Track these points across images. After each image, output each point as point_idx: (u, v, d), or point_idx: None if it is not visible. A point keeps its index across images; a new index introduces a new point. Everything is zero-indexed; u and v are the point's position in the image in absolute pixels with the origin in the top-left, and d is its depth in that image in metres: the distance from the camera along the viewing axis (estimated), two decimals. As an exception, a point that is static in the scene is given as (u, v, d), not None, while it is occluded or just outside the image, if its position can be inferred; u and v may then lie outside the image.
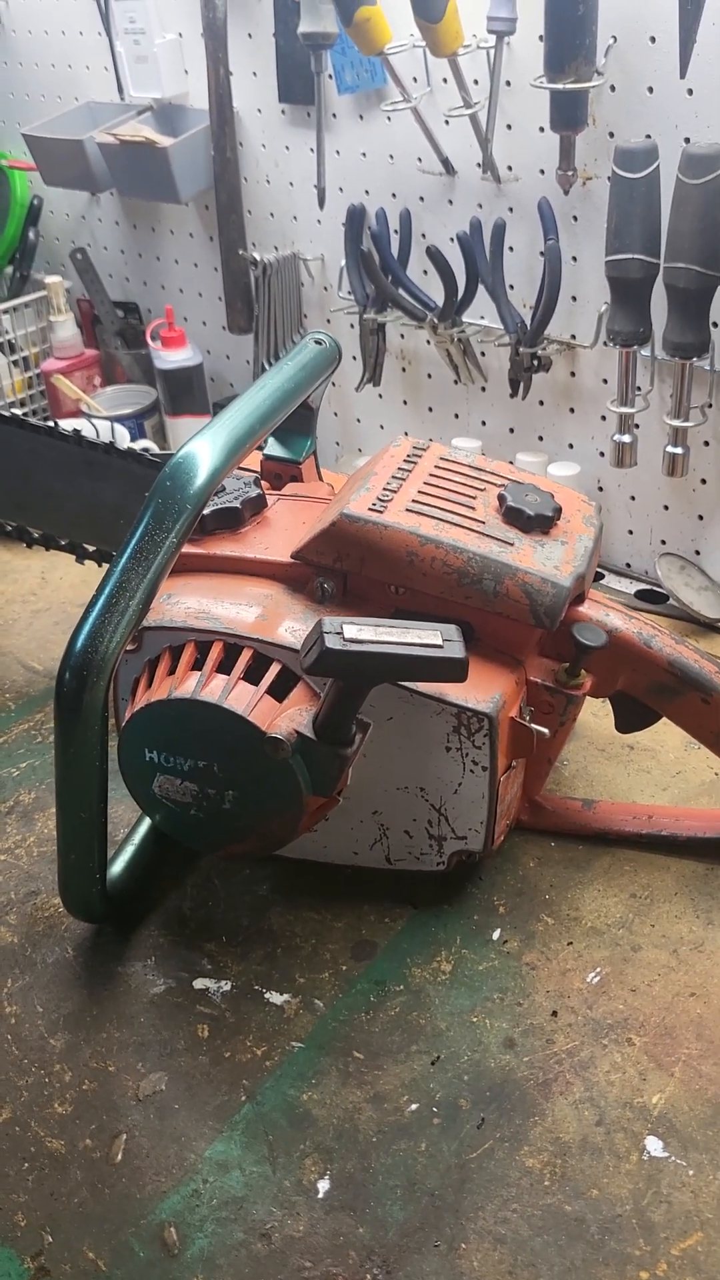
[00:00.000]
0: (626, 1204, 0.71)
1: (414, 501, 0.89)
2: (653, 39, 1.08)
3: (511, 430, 1.37)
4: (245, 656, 0.84)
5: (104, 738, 0.80)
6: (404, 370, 1.44)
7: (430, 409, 1.44)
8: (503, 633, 0.87)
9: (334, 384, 1.51)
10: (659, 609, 1.27)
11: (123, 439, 1.53)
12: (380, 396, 1.48)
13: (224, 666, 0.84)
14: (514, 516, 0.89)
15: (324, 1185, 0.74)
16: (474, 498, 0.91)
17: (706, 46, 1.04)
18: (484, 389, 1.37)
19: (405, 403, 1.47)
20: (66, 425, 1.20)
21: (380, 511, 0.87)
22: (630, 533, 1.32)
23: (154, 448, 1.55)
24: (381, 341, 1.40)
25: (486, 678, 0.86)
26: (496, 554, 0.86)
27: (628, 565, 1.34)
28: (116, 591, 0.77)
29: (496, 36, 1.15)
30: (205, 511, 0.93)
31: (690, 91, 1.07)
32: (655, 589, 1.29)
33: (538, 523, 0.89)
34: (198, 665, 0.85)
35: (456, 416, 1.42)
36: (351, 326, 1.42)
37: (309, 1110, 0.78)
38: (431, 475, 0.92)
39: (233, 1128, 0.78)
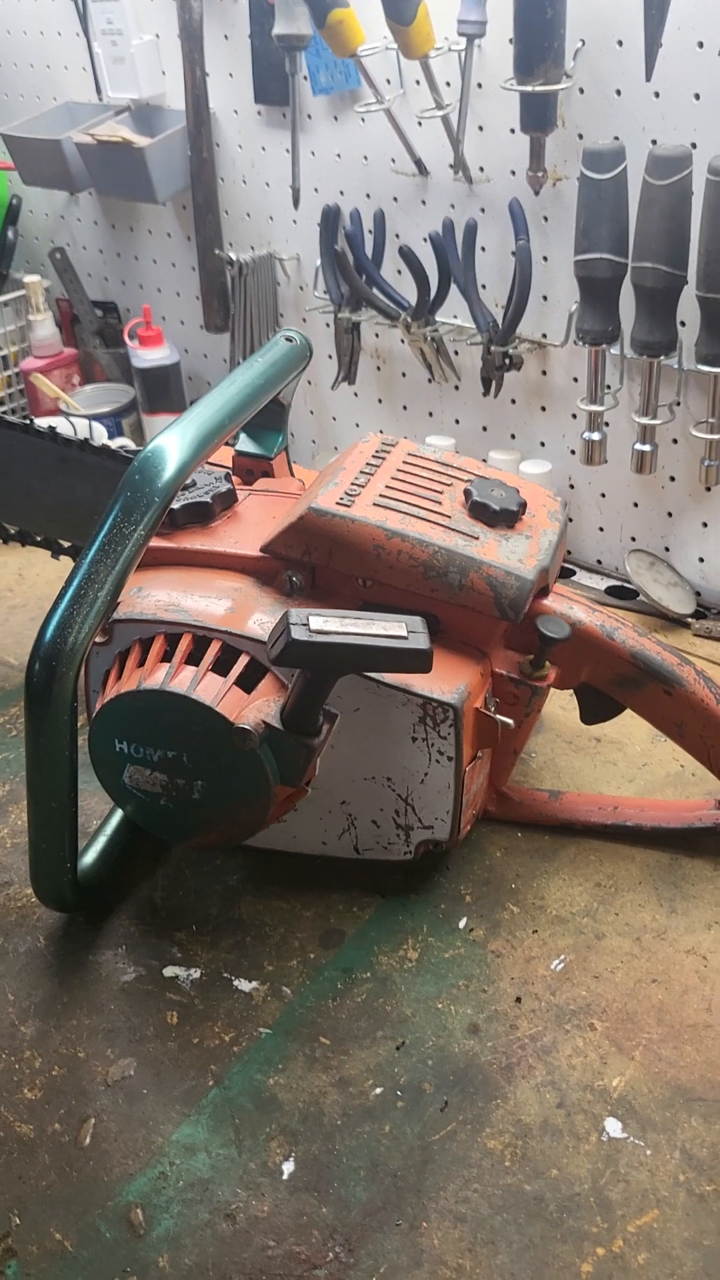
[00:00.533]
0: (585, 1183, 0.73)
1: (381, 496, 0.90)
2: (620, 42, 1.10)
3: (484, 428, 1.39)
4: (214, 648, 0.86)
5: (74, 728, 0.81)
6: (379, 369, 1.46)
7: (405, 407, 1.46)
8: (468, 625, 0.89)
9: (309, 381, 1.52)
10: (629, 605, 1.28)
11: (100, 437, 1.53)
12: (355, 395, 1.50)
13: (193, 658, 0.85)
14: (479, 511, 0.90)
15: (289, 1167, 0.75)
16: (440, 493, 0.92)
17: (671, 51, 1.06)
18: (457, 387, 1.38)
19: (380, 401, 1.48)
20: (42, 423, 1.21)
21: (348, 506, 0.89)
22: (601, 529, 1.34)
23: (131, 445, 1.55)
24: (356, 340, 1.41)
25: (452, 669, 0.87)
26: (462, 548, 0.87)
27: (598, 561, 1.36)
28: (85, 583, 0.78)
29: (467, 39, 1.16)
30: (176, 506, 0.95)
31: (656, 94, 1.09)
32: (625, 585, 1.31)
33: (503, 517, 0.90)
34: (167, 657, 0.86)
35: (430, 414, 1.43)
36: (327, 325, 1.43)
37: (275, 1094, 0.80)
38: (399, 470, 0.94)
39: (200, 1111, 0.79)
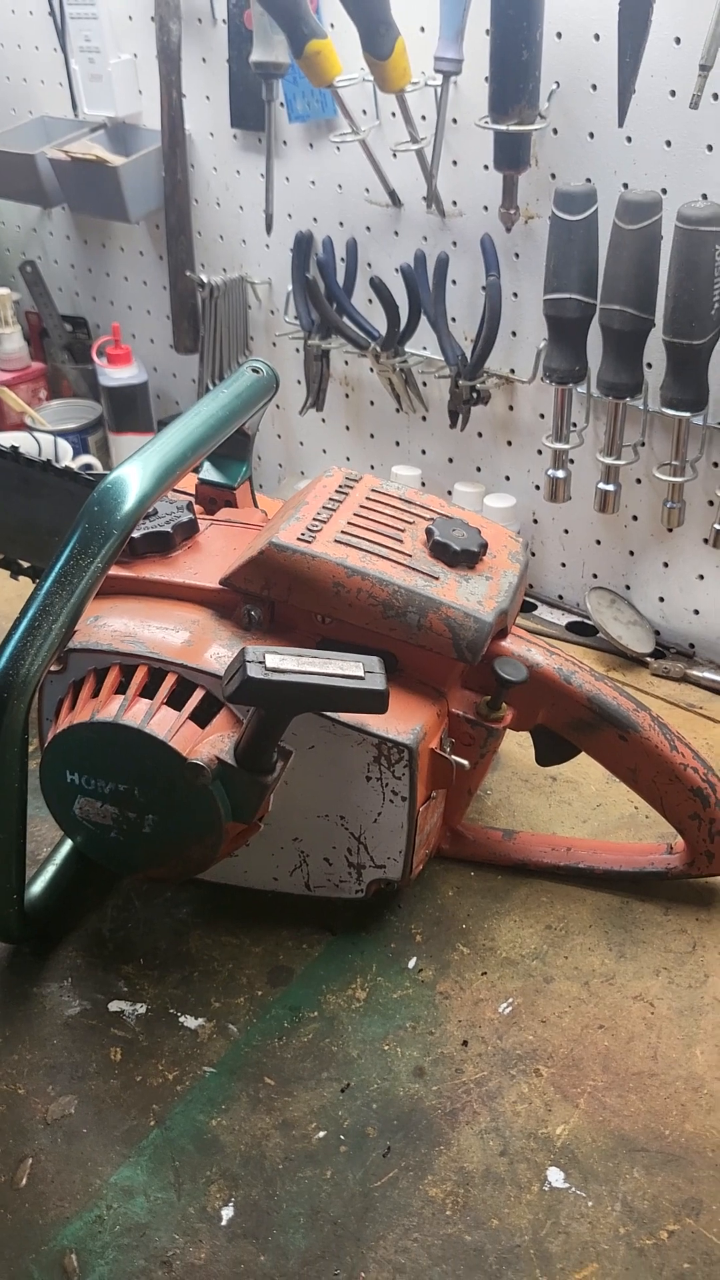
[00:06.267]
0: (525, 1234, 0.72)
1: (343, 533, 0.90)
2: (594, 86, 1.10)
3: (450, 460, 1.39)
4: (169, 681, 0.85)
5: (23, 759, 0.80)
6: (347, 396, 1.45)
7: (372, 435, 1.46)
8: (425, 665, 0.89)
9: (278, 406, 1.52)
10: (589, 642, 1.29)
11: (65, 454, 1.52)
12: (323, 421, 1.49)
13: (148, 691, 0.85)
14: (440, 551, 0.90)
15: (228, 1212, 0.74)
16: (402, 531, 0.92)
17: (644, 97, 1.06)
18: (424, 418, 1.38)
19: (348, 428, 1.48)
20: (4, 442, 1.20)
21: (309, 541, 0.88)
22: (563, 565, 1.34)
23: (97, 464, 1.54)
24: (325, 367, 1.41)
25: (408, 709, 0.87)
26: (421, 588, 0.87)
27: (560, 597, 1.36)
28: (39, 615, 0.77)
29: (443, 76, 1.17)
30: (136, 534, 0.94)
31: (629, 139, 1.10)
32: (585, 621, 1.31)
33: (463, 558, 0.90)
34: (122, 689, 0.85)
35: (397, 444, 1.43)
36: (296, 351, 1.43)
37: (217, 1136, 0.79)
38: (362, 507, 0.93)
39: (140, 1153, 0.78)
